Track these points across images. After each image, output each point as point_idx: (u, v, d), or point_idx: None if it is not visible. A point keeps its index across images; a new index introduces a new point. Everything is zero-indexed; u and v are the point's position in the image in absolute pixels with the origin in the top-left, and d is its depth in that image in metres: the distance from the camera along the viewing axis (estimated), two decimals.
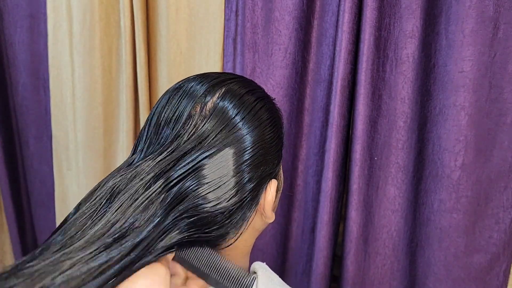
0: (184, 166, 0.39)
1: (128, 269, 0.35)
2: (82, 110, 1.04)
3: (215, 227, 0.41)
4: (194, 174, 0.40)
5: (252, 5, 0.86)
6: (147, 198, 0.37)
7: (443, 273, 0.80)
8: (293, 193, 0.93)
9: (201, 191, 0.40)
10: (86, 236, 0.35)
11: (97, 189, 0.39)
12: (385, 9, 0.77)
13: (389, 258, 0.86)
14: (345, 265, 0.87)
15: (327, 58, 0.85)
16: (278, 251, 0.98)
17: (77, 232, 0.36)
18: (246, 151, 0.41)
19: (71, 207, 1.13)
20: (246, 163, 0.41)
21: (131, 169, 0.39)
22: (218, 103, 0.42)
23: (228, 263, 0.41)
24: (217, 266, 0.41)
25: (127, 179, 0.38)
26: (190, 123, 0.41)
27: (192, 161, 0.40)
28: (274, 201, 0.47)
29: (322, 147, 0.87)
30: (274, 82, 0.88)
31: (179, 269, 0.41)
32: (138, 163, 0.40)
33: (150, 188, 0.38)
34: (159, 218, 0.37)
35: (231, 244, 0.45)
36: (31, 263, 0.34)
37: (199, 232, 0.40)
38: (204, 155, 0.40)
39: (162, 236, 0.37)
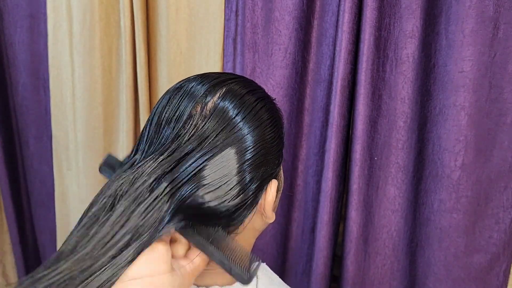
0: (186, 167, 0.39)
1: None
2: (82, 110, 1.04)
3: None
4: (196, 175, 0.40)
5: (252, 5, 0.86)
6: (151, 204, 0.38)
7: (443, 273, 0.80)
8: (293, 193, 0.93)
9: (203, 192, 0.40)
10: (92, 243, 0.36)
11: (101, 193, 0.39)
12: (385, 9, 0.77)
13: (389, 258, 0.86)
14: (345, 265, 0.87)
15: (327, 58, 0.85)
16: (278, 251, 0.98)
17: (83, 240, 0.37)
18: (247, 151, 0.41)
19: (71, 207, 1.13)
20: (247, 163, 0.41)
21: (133, 171, 0.39)
22: (219, 103, 0.42)
23: (235, 244, 0.41)
24: (223, 245, 0.40)
25: (130, 181, 0.38)
26: (190, 123, 0.41)
27: (193, 162, 0.40)
28: (274, 201, 0.47)
29: (322, 147, 0.87)
30: (274, 82, 0.88)
31: (183, 238, 0.41)
32: (139, 164, 0.40)
33: (153, 192, 0.38)
34: (165, 223, 0.38)
35: None
36: (43, 273, 0.35)
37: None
38: (205, 156, 0.40)
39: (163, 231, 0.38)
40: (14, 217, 1.20)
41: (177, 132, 0.41)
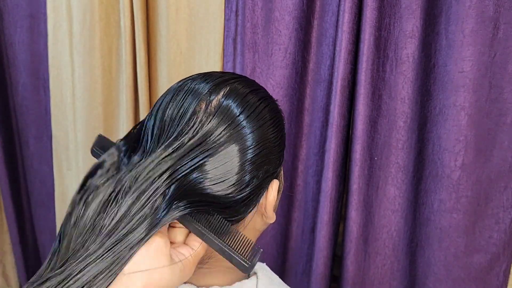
0: (188, 162, 0.40)
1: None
2: (82, 110, 1.04)
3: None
4: (198, 169, 0.40)
5: (252, 5, 0.86)
6: (151, 195, 0.38)
7: (443, 273, 0.80)
8: (293, 193, 0.93)
9: (206, 185, 0.40)
10: (97, 242, 0.36)
11: (95, 189, 0.39)
12: (385, 9, 0.77)
13: (389, 258, 0.86)
14: (345, 265, 0.87)
15: (327, 58, 0.85)
16: (278, 251, 0.98)
17: (90, 237, 0.37)
18: (250, 149, 0.42)
19: None
20: (249, 162, 0.42)
21: (135, 168, 0.39)
22: (223, 102, 0.42)
23: (236, 232, 0.40)
24: (223, 234, 0.40)
25: (133, 178, 0.38)
26: (194, 119, 0.41)
27: (196, 157, 0.40)
28: (275, 201, 0.47)
29: (322, 147, 0.87)
30: (274, 82, 0.88)
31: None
32: (141, 161, 0.40)
33: (154, 184, 0.38)
34: (162, 211, 0.38)
35: None
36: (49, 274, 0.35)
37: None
38: (208, 152, 0.40)
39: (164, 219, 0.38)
40: (14, 217, 1.20)
41: (181, 129, 0.41)
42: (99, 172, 0.40)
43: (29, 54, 1.12)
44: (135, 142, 0.44)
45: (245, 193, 0.42)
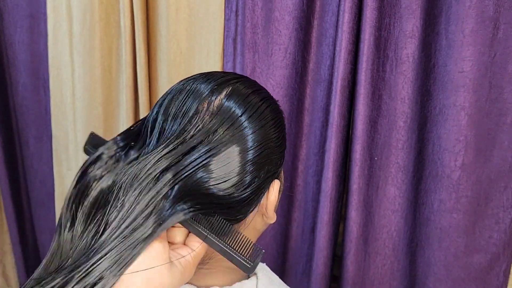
0: (192, 161, 0.40)
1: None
2: (82, 110, 1.04)
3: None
4: (201, 169, 0.40)
5: (252, 5, 0.86)
6: (154, 195, 0.38)
7: (443, 273, 0.80)
8: (293, 193, 0.93)
9: (210, 184, 0.40)
10: (105, 235, 0.36)
11: (89, 185, 0.39)
12: (385, 9, 0.77)
13: (389, 258, 0.86)
14: (345, 265, 0.87)
15: (327, 58, 0.85)
16: (278, 251, 0.98)
17: (94, 235, 0.37)
18: (252, 149, 0.42)
19: None
20: (252, 162, 0.42)
21: (136, 163, 0.39)
22: (225, 102, 0.42)
23: (237, 233, 0.40)
24: (224, 235, 0.40)
25: (134, 174, 0.38)
26: (197, 118, 0.41)
27: (199, 157, 0.40)
28: (276, 201, 0.47)
29: (322, 147, 0.87)
30: (274, 82, 0.88)
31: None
32: (141, 156, 0.40)
33: (158, 183, 0.38)
34: (166, 210, 0.38)
35: None
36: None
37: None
38: (211, 151, 0.40)
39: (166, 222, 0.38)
40: (14, 217, 1.20)
41: (183, 127, 0.41)
42: (98, 163, 0.40)
43: (29, 54, 1.12)
44: (134, 137, 0.44)
45: (246, 193, 0.42)
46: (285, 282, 0.53)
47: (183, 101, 0.42)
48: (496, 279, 0.80)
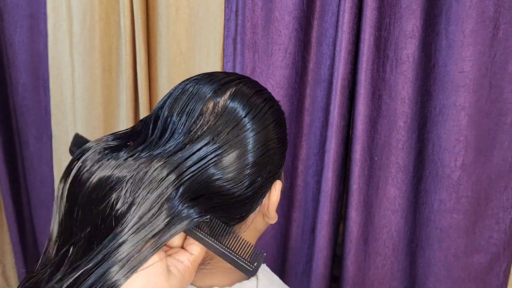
0: (195, 162, 0.40)
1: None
2: (82, 110, 1.04)
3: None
4: (207, 169, 0.40)
5: (252, 5, 0.86)
6: (159, 196, 0.38)
7: (443, 273, 0.80)
8: (293, 193, 0.93)
9: (216, 184, 0.41)
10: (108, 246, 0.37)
11: (85, 181, 0.39)
12: (385, 9, 0.77)
13: (389, 258, 0.86)
14: (345, 265, 0.87)
15: (327, 58, 0.85)
16: (278, 251, 0.98)
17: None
18: (255, 150, 0.42)
19: None
20: (255, 162, 0.42)
21: (138, 159, 0.39)
22: (229, 103, 0.42)
23: (238, 237, 0.40)
24: (226, 239, 0.40)
25: (142, 174, 0.39)
26: (202, 119, 0.42)
27: (205, 156, 0.40)
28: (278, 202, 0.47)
29: (322, 147, 0.87)
30: (274, 82, 0.88)
31: None
32: (143, 153, 0.40)
33: (163, 183, 0.39)
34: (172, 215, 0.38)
35: None
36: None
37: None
38: (217, 152, 0.41)
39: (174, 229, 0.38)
40: (14, 217, 1.20)
41: (189, 127, 0.41)
42: (91, 153, 0.40)
43: (29, 54, 1.12)
44: (132, 136, 0.44)
45: (249, 193, 0.42)
46: (285, 282, 0.53)
47: (188, 101, 0.43)
48: (496, 279, 0.80)
